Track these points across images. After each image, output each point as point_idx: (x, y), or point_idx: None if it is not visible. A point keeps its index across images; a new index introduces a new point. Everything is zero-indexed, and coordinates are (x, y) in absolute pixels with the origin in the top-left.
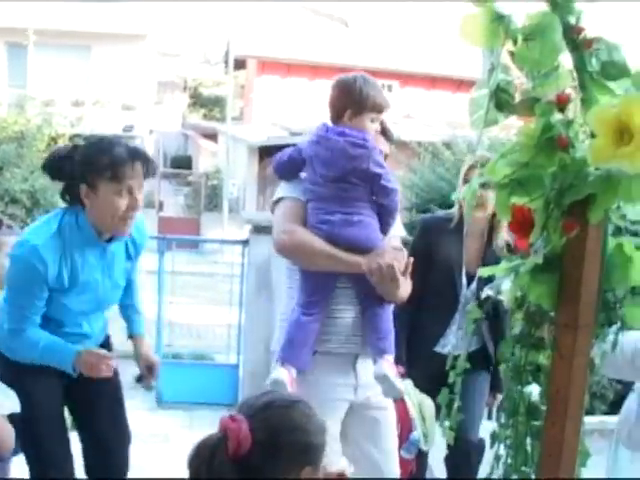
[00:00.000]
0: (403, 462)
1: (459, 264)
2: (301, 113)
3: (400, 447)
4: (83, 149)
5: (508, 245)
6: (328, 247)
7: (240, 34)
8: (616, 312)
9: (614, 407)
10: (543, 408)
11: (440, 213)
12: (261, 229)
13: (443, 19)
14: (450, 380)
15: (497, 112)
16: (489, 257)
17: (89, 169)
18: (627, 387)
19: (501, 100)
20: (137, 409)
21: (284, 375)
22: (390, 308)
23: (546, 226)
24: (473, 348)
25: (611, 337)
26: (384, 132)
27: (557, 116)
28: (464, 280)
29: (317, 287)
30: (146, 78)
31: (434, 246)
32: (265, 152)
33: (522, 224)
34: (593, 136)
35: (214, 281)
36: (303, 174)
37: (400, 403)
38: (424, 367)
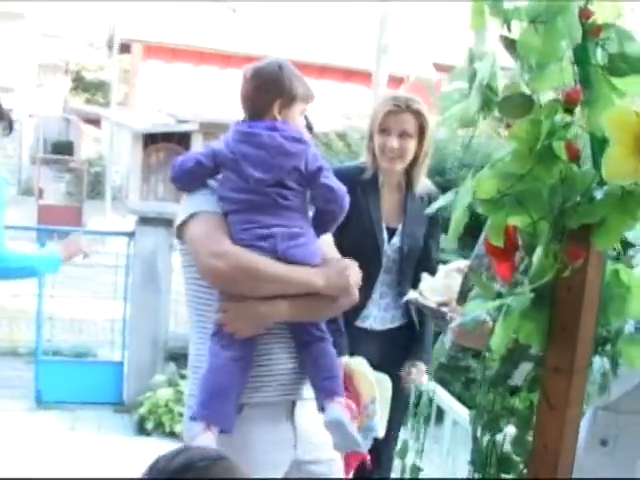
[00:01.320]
0: (353, 454)
1: (378, 218)
2: (187, 100)
3: None
4: None
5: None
6: (280, 267)
7: (125, 17)
8: (608, 350)
9: None
10: (516, 459)
11: (350, 164)
12: (147, 220)
13: (332, 8)
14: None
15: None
16: (410, 208)
17: None
18: None
19: (483, 96)
20: (14, 410)
21: (210, 441)
22: (329, 341)
23: (547, 252)
24: (397, 324)
25: (598, 377)
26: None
27: (559, 119)
28: (385, 235)
29: None
30: (26, 59)
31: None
32: (150, 139)
33: (505, 246)
34: (601, 145)
35: (97, 272)
36: (212, 182)
37: (349, 382)
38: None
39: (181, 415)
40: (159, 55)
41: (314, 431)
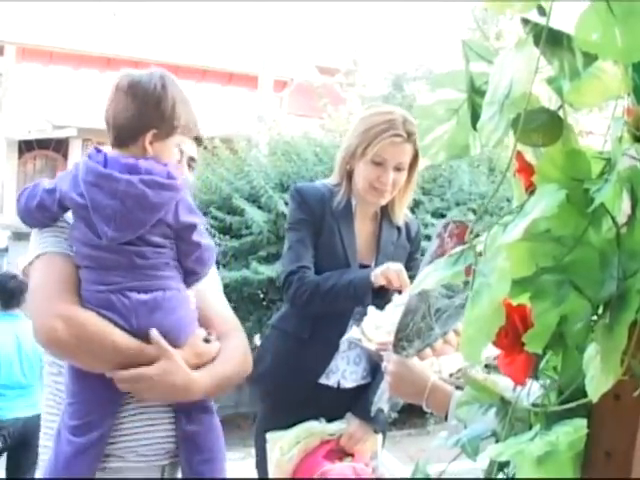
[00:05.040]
0: None
1: (352, 254)
2: (65, 104)
3: None
4: None
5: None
6: (133, 344)
7: None
8: None
9: None
10: None
11: (318, 183)
12: (22, 236)
13: (212, 11)
14: None
15: (472, 131)
16: (385, 242)
17: None
18: None
19: (476, 109)
20: None
21: None
22: (215, 414)
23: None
24: (361, 382)
25: None
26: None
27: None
28: None
29: (99, 400)
30: None
31: (319, 225)
32: (27, 146)
33: (515, 333)
34: None
35: None
36: (70, 216)
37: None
38: (307, 401)
39: None
40: (35, 58)
41: None
